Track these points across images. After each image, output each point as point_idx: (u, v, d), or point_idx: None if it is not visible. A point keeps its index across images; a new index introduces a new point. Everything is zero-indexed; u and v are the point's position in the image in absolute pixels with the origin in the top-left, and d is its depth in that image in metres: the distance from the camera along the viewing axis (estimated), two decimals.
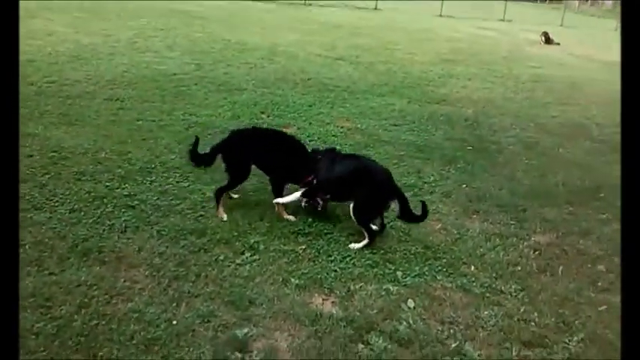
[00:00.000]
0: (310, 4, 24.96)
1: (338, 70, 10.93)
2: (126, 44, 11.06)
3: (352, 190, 4.35)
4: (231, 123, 6.89)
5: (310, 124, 7.27)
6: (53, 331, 3.05)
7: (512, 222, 4.95)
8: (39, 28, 11.47)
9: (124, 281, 3.58)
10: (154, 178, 5.08)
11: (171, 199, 4.71)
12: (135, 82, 8.22)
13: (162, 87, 8.20)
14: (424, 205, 4.34)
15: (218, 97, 8.01)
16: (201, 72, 9.43)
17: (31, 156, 5.20)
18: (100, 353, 2.93)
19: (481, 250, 4.40)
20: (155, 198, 4.69)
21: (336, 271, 3.93)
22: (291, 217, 4.60)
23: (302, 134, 6.73)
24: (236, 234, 4.26)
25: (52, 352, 2.91)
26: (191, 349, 3.05)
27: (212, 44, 12.10)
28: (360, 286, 3.76)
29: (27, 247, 3.80)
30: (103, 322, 3.17)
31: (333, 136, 6.85)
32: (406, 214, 4.35)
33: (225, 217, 4.50)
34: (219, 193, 4.57)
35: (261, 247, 4.13)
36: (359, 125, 7.39)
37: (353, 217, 4.28)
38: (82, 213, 4.31)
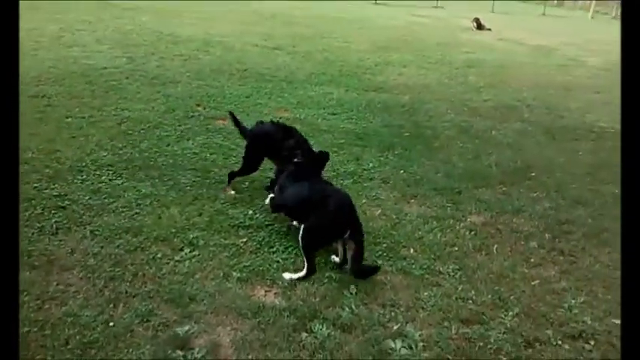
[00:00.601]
0: None
1: (275, 60, 10.86)
2: (51, 38, 10.56)
3: (307, 213, 3.90)
4: (166, 116, 6.74)
5: (248, 115, 7.17)
6: None
7: (448, 204, 5.08)
8: None
9: (57, 284, 3.43)
10: (85, 176, 4.89)
11: (105, 198, 4.55)
12: (62, 78, 7.87)
13: (92, 82, 7.89)
14: (375, 267, 3.83)
15: (151, 91, 7.79)
16: (133, 65, 9.13)
17: None
18: None
19: (419, 232, 4.50)
20: (87, 197, 4.52)
21: (278, 262, 3.92)
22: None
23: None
24: (174, 230, 4.17)
25: None
26: (130, 350, 2.97)
27: (144, 36, 11.74)
28: None
29: None
30: (35, 329, 3.04)
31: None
32: (357, 262, 3.74)
33: (233, 192, 4.86)
34: (232, 176, 4.91)
35: (201, 242, 4.07)
36: (298, 115, 7.38)
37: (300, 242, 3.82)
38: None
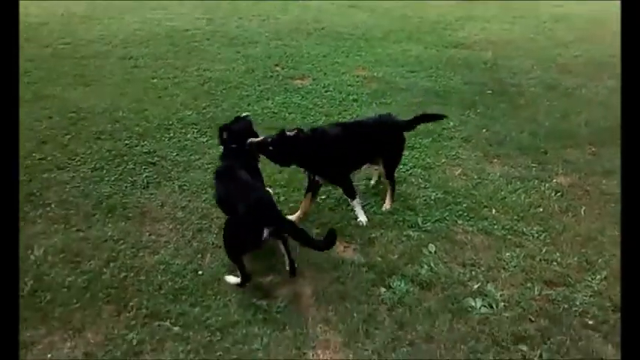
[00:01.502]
0: None
1: (352, 18, 10.68)
2: (136, 1, 10.91)
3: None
4: (246, 77, 6.85)
5: (325, 74, 7.17)
6: (84, 285, 3.16)
7: (533, 165, 4.89)
8: None
9: (150, 235, 3.67)
10: (172, 134, 5.12)
11: (191, 155, 4.75)
12: (148, 40, 8.16)
13: (175, 43, 8.13)
14: (331, 233, 3.23)
15: (231, 52, 7.92)
16: (213, 27, 9.29)
17: (51, 117, 5.26)
18: (131, 303, 3.03)
19: (502, 193, 4.37)
20: (174, 154, 4.73)
21: (355, 219, 3.95)
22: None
23: (317, 85, 6.67)
24: None
25: (84, 303, 3.02)
26: (218, 297, 3.14)
27: None
28: (381, 233, 3.78)
29: (52, 205, 3.90)
30: (132, 274, 3.28)
31: (349, 85, 6.76)
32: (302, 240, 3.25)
33: None
34: None
35: (282, 198, 4.17)
36: (375, 73, 7.27)
37: None
38: (104, 171, 4.39)
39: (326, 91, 6.53)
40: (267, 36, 8.91)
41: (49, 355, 2.70)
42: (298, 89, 6.58)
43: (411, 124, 4.20)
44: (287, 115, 5.80)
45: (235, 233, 3.19)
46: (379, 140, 3.99)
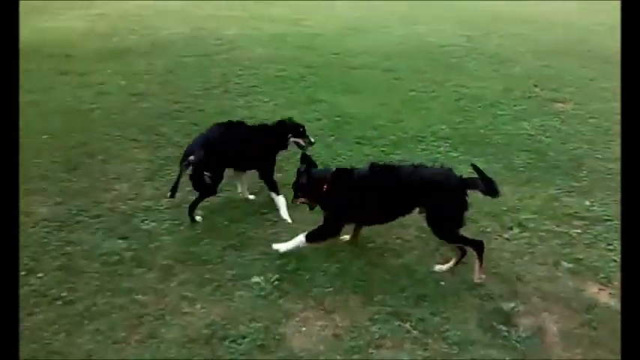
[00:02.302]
0: None
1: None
2: (399, 17, 11.49)
3: None
4: (503, 95, 6.71)
5: (590, 99, 6.65)
6: (336, 272, 3.48)
7: None
8: (322, 4, 12.62)
9: (396, 239, 3.86)
10: (424, 146, 5.29)
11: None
12: (409, 54, 8.54)
13: (435, 58, 8.35)
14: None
15: (489, 69, 7.84)
16: (472, 44, 9.30)
17: (320, 119, 5.86)
18: (375, 298, 3.24)
19: None
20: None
21: (615, 261, 3.60)
22: None
23: (580, 110, 6.24)
24: (504, 209, 4.20)
25: (336, 289, 3.33)
26: (456, 312, 3.16)
27: (482, 15, 11.78)
28: None
29: None
30: (378, 272, 3.49)
31: (618, 114, 6.12)
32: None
33: None
34: None
35: (531, 225, 4.02)
36: None
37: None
38: None
39: (590, 118, 6.06)
40: (528, 55, 8.60)
41: (303, 329, 3.04)
42: (558, 113, 6.23)
43: None
44: (544, 138, 5.54)
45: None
46: None
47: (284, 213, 4.09)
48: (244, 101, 6.31)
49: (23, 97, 6.16)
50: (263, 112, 6.00)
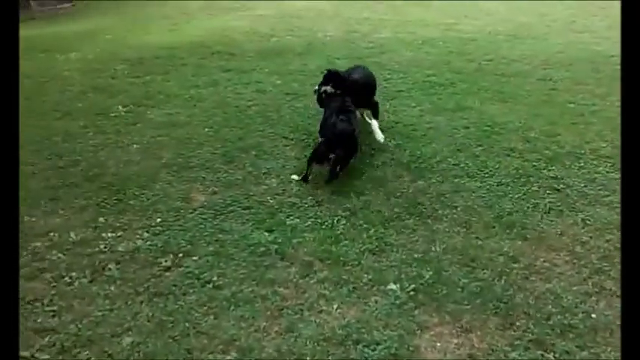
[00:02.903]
0: None
1: None
2: (562, 23, 10.75)
3: None
4: None
5: None
6: (476, 290, 3.37)
7: None
8: (480, 8, 12.24)
9: (544, 261, 3.64)
10: (582, 164, 4.92)
11: (599, 189, 4.49)
12: (569, 63, 7.96)
13: (598, 69, 7.69)
14: None
15: None
16: None
17: (467, 128, 5.70)
18: (517, 323, 3.10)
19: None
20: (582, 185, 4.55)
21: None
22: None
23: None
24: None
25: (474, 308, 3.23)
26: (608, 348, 2.91)
27: None
28: None
29: (459, 209, 4.26)
30: (521, 295, 3.33)
31: None
32: None
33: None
34: None
35: None
36: None
37: None
38: (509, 187, 4.54)
39: None
40: None
41: (437, 344, 3.00)
42: None
43: None
44: None
45: None
46: None
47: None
48: (390, 105, 6.34)
49: (192, 92, 6.84)
50: (409, 117, 5.99)
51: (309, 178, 4.62)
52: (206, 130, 5.73)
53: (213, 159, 5.08)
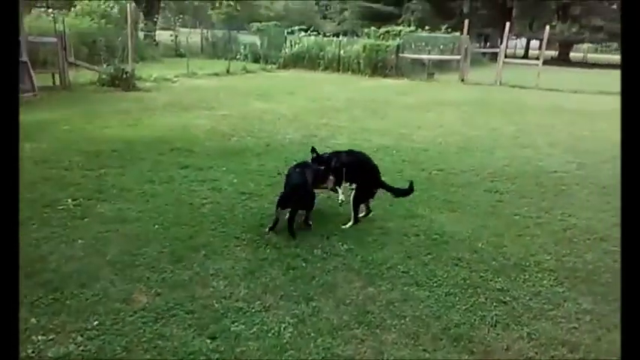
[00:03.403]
0: None
1: None
2: (508, 138, 11.47)
3: None
4: (614, 230, 6.30)
5: None
6: None
7: None
8: (433, 121, 12.98)
9: None
10: (527, 276, 5.02)
11: (544, 303, 4.55)
12: (514, 177, 8.39)
13: (542, 184, 8.13)
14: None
15: (601, 201, 7.45)
16: (584, 171, 8.98)
17: (418, 235, 5.81)
18: None
19: None
20: (527, 298, 4.61)
21: None
22: None
23: None
24: (615, 359, 3.81)
25: None
26: None
27: (598, 144, 11.43)
28: None
29: (407, 319, 4.22)
30: None
31: None
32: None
33: None
34: None
35: None
36: None
37: None
38: (457, 298, 4.56)
39: None
40: None
41: None
42: None
43: None
44: None
45: None
46: None
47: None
48: (344, 209, 6.44)
49: (146, 187, 6.80)
50: (361, 221, 6.09)
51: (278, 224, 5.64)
52: (156, 227, 5.65)
53: (160, 258, 4.96)
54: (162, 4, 40.50)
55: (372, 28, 34.63)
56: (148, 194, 6.57)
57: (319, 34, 34.86)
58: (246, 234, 5.57)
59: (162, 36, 35.36)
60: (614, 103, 18.55)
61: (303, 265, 4.94)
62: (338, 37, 32.04)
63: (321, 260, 5.10)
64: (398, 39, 28.89)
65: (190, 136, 9.90)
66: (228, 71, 24.36)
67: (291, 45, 30.05)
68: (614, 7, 51.65)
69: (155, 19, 36.97)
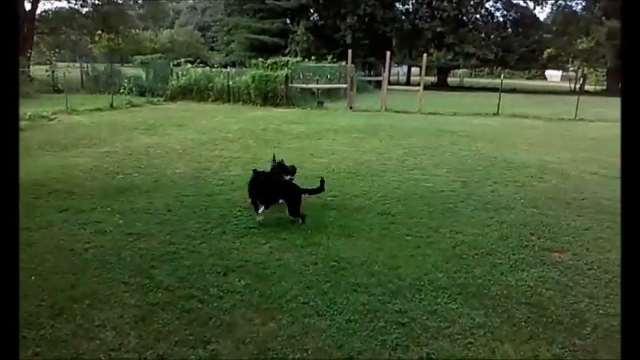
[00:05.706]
0: (582, 120, 23.58)
1: (618, 191, 9.86)
2: (397, 162, 11.92)
3: None
4: (499, 243, 6.69)
5: (588, 250, 6.61)
6: None
7: None
8: (325, 148, 13.21)
9: None
10: (422, 296, 5.15)
11: (440, 321, 4.67)
12: (404, 198, 8.70)
13: (430, 203, 8.48)
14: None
15: (485, 216, 7.91)
16: (468, 189, 9.52)
17: (316, 264, 5.79)
18: None
19: None
20: (424, 317, 4.71)
21: None
22: None
23: (579, 261, 6.18)
24: None
25: None
26: None
27: (478, 162, 12.24)
28: None
29: (309, 352, 4.14)
30: None
31: (615, 265, 6.08)
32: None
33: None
34: None
35: None
36: None
37: None
38: (357, 324, 4.55)
39: (589, 269, 5.98)
40: (523, 203, 8.74)
41: None
42: (556, 263, 6.15)
43: None
44: (544, 291, 5.40)
45: None
46: None
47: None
48: (240, 243, 6.29)
49: (21, 236, 6.18)
50: (258, 254, 5.96)
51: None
52: (33, 278, 5.13)
53: (37, 313, 4.49)
54: (35, 38, 38.08)
55: (260, 59, 35.03)
56: (24, 243, 5.98)
57: (207, 65, 34.56)
58: (134, 278, 5.22)
59: (38, 71, 33.17)
60: (490, 124, 20.08)
61: (199, 306, 4.71)
62: (226, 68, 31.94)
63: (218, 299, 4.89)
64: (286, 69, 29.34)
65: (70, 177, 9.24)
66: (111, 106, 23.27)
67: (178, 77, 29.40)
68: (483, 35, 56.56)
69: (28, 54, 34.61)
